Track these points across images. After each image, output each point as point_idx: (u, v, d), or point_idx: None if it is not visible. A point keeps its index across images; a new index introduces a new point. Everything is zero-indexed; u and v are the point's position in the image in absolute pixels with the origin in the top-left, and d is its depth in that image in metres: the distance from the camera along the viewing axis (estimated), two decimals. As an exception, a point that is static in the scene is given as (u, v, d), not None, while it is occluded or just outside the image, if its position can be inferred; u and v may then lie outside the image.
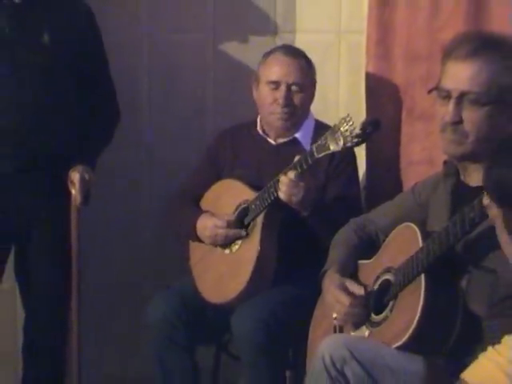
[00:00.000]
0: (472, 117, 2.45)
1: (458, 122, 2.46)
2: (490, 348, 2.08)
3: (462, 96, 2.45)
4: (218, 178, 3.33)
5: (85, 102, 3.27)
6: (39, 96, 3.14)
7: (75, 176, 3.13)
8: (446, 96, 2.49)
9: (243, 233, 3.15)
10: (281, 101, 3.22)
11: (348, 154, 3.10)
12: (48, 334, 3.27)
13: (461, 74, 2.47)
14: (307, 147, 3.02)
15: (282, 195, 2.92)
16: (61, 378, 3.29)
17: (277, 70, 3.25)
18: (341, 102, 3.62)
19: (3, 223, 3.20)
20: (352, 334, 2.66)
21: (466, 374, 2.09)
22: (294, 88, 3.22)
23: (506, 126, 2.45)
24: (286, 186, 2.90)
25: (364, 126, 2.74)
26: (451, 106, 2.47)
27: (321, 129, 3.00)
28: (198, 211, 3.28)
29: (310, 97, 3.30)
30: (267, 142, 3.32)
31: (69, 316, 3.22)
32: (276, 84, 3.23)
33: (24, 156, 3.15)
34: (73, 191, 3.14)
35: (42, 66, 3.14)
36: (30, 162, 3.15)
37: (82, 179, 3.13)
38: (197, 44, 3.75)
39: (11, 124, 3.12)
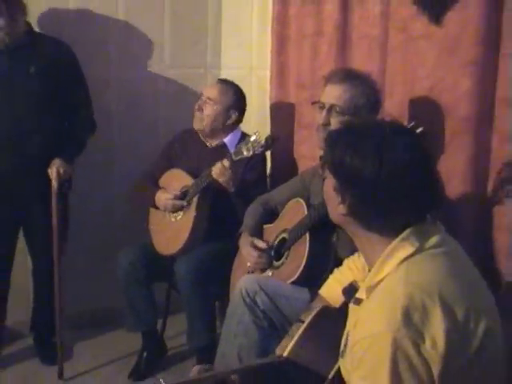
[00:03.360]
0: (336, 122, 2.56)
1: (327, 124, 2.57)
2: (335, 270, 2.17)
3: (331, 107, 2.56)
4: (171, 166, 3.30)
5: (67, 117, 3.21)
6: (29, 113, 3.08)
7: (52, 169, 3.09)
8: (322, 107, 2.59)
9: (184, 203, 3.13)
10: (196, 107, 3.25)
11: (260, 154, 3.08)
12: (44, 269, 3.25)
13: (332, 93, 2.58)
14: (232, 150, 2.99)
15: (218, 176, 2.91)
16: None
17: (206, 88, 3.31)
18: (252, 118, 3.59)
19: (9, 208, 3.17)
20: (260, 275, 2.72)
21: (321, 290, 2.19)
22: (207, 100, 3.21)
23: None
24: (221, 170, 2.89)
25: (267, 140, 2.78)
26: (324, 113, 2.57)
27: (244, 138, 2.98)
28: (157, 188, 3.27)
29: (220, 112, 3.21)
30: (205, 144, 3.31)
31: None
32: (201, 96, 3.26)
33: (18, 156, 3.08)
34: (52, 181, 3.09)
35: (30, 91, 3.07)
36: (23, 161, 3.10)
37: (57, 172, 3.09)
38: (152, 78, 3.72)
39: (8, 133, 3.07)
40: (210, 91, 3.24)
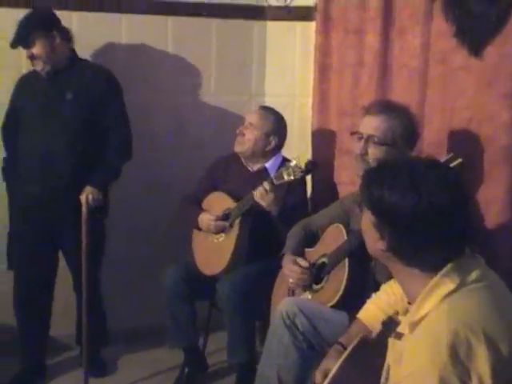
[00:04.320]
0: (373, 152, 2.55)
1: (364, 154, 2.56)
2: (373, 294, 2.15)
3: (369, 138, 2.55)
4: (214, 189, 3.31)
5: (101, 142, 3.19)
6: (62, 137, 3.09)
7: (82, 196, 3.07)
8: (360, 137, 2.58)
9: (226, 224, 3.14)
10: (237, 131, 3.26)
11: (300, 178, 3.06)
12: (81, 288, 3.21)
13: (370, 124, 2.57)
14: (272, 174, 2.99)
15: (260, 200, 2.91)
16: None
17: (249, 114, 3.32)
18: (294, 144, 3.58)
19: (45, 229, 3.19)
20: (300, 297, 2.70)
21: (359, 314, 2.17)
22: (249, 126, 3.23)
23: None
24: (263, 193, 2.89)
25: (307, 165, 2.79)
26: (362, 143, 2.56)
27: (285, 163, 2.96)
28: (200, 209, 3.27)
29: (260, 137, 3.22)
30: (247, 168, 3.32)
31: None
32: (244, 121, 3.28)
33: (51, 180, 3.09)
34: (83, 207, 3.07)
35: (65, 116, 3.08)
36: (56, 185, 3.10)
37: (87, 198, 3.06)
38: (198, 105, 3.74)
39: (41, 158, 3.08)
40: (252, 117, 3.26)
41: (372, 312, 2.11)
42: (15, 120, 3.20)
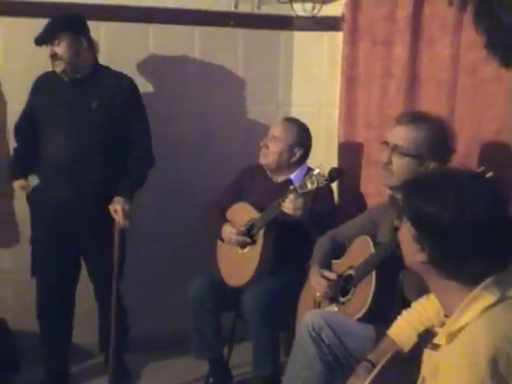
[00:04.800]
0: (397, 162, 2.53)
1: (388, 163, 2.54)
2: (403, 311, 2.13)
3: (394, 147, 2.52)
4: (238, 199, 3.30)
5: (126, 150, 3.19)
6: (87, 145, 3.08)
7: (118, 207, 3.05)
8: (387, 147, 2.55)
9: (248, 240, 3.13)
10: (262, 144, 3.24)
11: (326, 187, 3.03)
12: (103, 295, 3.25)
13: (397, 134, 2.56)
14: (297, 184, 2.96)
15: (288, 210, 2.88)
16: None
17: (273, 126, 3.29)
18: (320, 155, 3.54)
19: (68, 236, 3.17)
20: (326, 309, 2.67)
21: (389, 331, 2.13)
22: (274, 138, 3.21)
23: None
24: (288, 203, 2.87)
25: (331, 173, 2.77)
26: (387, 152, 2.53)
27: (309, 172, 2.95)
28: (224, 220, 3.26)
29: (285, 151, 3.20)
30: (272, 180, 3.30)
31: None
32: (268, 133, 3.26)
33: (74, 187, 3.08)
34: (116, 218, 3.06)
35: (90, 124, 3.07)
36: (81, 193, 3.09)
37: (123, 209, 3.06)
38: (225, 114, 3.74)
39: (66, 165, 3.07)
40: (276, 129, 3.25)
41: (403, 329, 2.08)
42: (30, 122, 3.19)
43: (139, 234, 3.55)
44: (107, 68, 3.23)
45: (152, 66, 3.56)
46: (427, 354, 1.68)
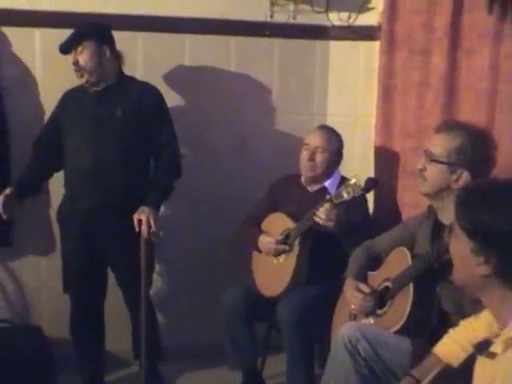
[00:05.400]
0: (430, 169, 2.52)
1: (422, 170, 2.54)
2: (450, 330, 2.09)
3: (429, 154, 2.49)
4: (273, 210, 3.29)
5: (153, 159, 3.20)
6: (112, 155, 3.08)
7: (142, 217, 3.01)
8: (425, 154, 2.53)
9: (286, 248, 3.11)
10: (307, 157, 3.21)
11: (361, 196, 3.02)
12: (132, 303, 3.23)
13: (434, 141, 2.55)
14: (332, 193, 2.96)
15: (320, 219, 2.87)
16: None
17: (310, 137, 3.25)
18: (356, 165, 3.54)
19: (94, 245, 3.16)
20: (362, 321, 2.64)
21: (435, 349, 2.09)
22: (317, 150, 3.20)
23: (451, 182, 2.48)
24: (323, 212, 2.86)
25: (367, 183, 2.75)
26: (423, 159, 2.52)
27: (344, 181, 2.95)
28: (259, 231, 3.25)
29: (330, 159, 3.21)
30: (306, 189, 3.29)
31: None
32: (307, 145, 3.22)
33: (100, 197, 3.09)
34: (142, 228, 3.02)
35: (116, 133, 3.07)
36: (106, 202, 3.09)
37: (147, 220, 3.01)
38: (260, 124, 3.74)
39: (91, 175, 3.07)
40: (317, 140, 3.21)
41: (449, 347, 2.03)
42: (51, 138, 3.20)
43: (174, 245, 3.58)
44: (132, 78, 3.24)
45: (188, 76, 3.57)
46: (482, 363, 1.64)
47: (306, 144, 3.23)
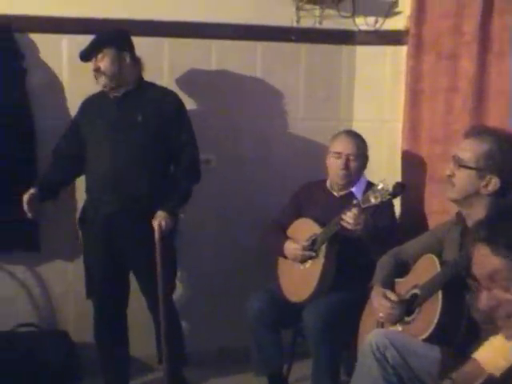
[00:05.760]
0: (459, 174, 2.49)
1: (451, 176, 2.51)
2: (491, 337, 2.05)
3: (457, 160, 2.46)
4: (298, 215, 3.28)
5: (172, 166, 3.20)
6: (132, 160, 3.09)
7: (154, 222, 3.05)
8: (453, 159, 2.50)
9: (313, 254, 3.10)
10: (341, 166, 3.20)
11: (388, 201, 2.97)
12: (154, 308, 3.22)
13: (462, 146, 2.52)
14: (359, 198, 2.93)
15: (347, 224, 2.85)
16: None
17: (340, 144, 3.23)
18: (382, 170, 3.51)
19: (115, 249, 3.17)
20: (390, 328, 2.62)
21: (476, 355, 2.06)
22: (350, 157, 3.19)
23: (479, 188, 2.45)
24: (350, 217, 2.84)
25: (395, 188, 2.73)
26: (451, 164, 2.50)
27: (370, 186, 2.91)
28: (285, 237, 3.24)
29: (361, 164, 3.22)
30: (332, 194, 3.28)
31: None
32: (339, 154, 3.21)
33: (121, 202, 3.10)
34: (155, 233, 3.05)
35: (135, 138, 3.09)
36: (126, 206, 3.10)
37: (159, 224, 3.04)
38: (286, 129, 3.73)
39: (112, 180, 3.09)
40: (348, 148, 3.19)
41: (490, 355, 1.99)
42: (71, 145, 3.22)
43: (198, 250, 3.59)
44: (152, 83, 3.25)
45: (214, 81, 3.58)
46: None
47: (337, 153, 3.21)
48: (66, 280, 3.56)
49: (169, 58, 3.49)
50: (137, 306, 3.35)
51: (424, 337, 2.42)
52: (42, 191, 3.16)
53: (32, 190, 3.13)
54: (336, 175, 3.23)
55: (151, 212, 3.08)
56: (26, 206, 3.11)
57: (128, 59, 3.13)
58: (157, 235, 3.05)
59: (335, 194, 3.28)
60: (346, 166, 3.19)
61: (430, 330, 2.40)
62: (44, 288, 3.54)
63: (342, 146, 3.22)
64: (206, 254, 3.66)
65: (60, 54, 3.39)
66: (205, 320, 3.68)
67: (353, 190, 3.15)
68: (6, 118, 3.27)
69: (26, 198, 3.11)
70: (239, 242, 3.68)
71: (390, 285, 2.72)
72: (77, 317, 3.56)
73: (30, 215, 3.13)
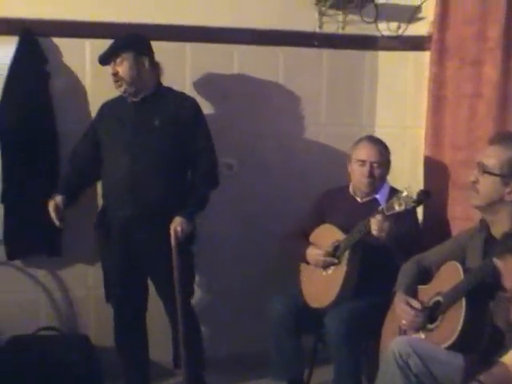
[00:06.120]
0: (483, 181, 2.48)
1: (475, 182, 2.50)
2: None
3: (482, 166, 2.46)
4: (321, 222, 3.27)
5: (190, 170, 3.20)
6: (149, 164, 3.08)
7: (172, 227, 3.05)
8: (477, 166, 2.49)
9: (335, 260, 3.10)
10: (366, 174, 3.20)
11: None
12: (172, 313, 3.22)
13: (486, 152, 2.51)
14: (383, 204, 2.93)
15: (374, 232, 2.84)
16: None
17: (363, 152, 3.23)
18: (404, 177, 3.52)
19: (133, 255, 3.17)
20: (413, 336, 2.61)
21: (505, 359, 2.05)
22: (374, 165, 3.20)
23: (504, 194, 2.45)
24: (375, 224, 2.84)
25: (419, 195, 2.70)
26: (475, 171, 2.49)
27: (393, 192, 2.90)
28: (307, 243, 3.24)
29: (385, 171, 3.22)
30: (356, 200, 3.27)
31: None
32: (363, 162, 3.21)
33: (138, 206, 3.08)
34: (172, 239, 3.05)
35: (153, 143, 3.09)
36: (143, 211, 3.09)
37: (176, 230, 3.04)
38: (307, 135, 3.75)
39: (129, 184, 3.08)
40: (372, 155, 3.19)
41: None
42: (87, 149, 3.24)
43: (220, 255, 3.61)
44: (169, 88, 3.25)
45: (236, 86, 3.59)
46: None
47: (361, 160, 3.20)
48: (86, 284, 3.59)
49: (191, 62, 3.51)
50: (155, 309, 3.36)
51: (447, 344, 2.41)
52: (65, 197, 3.19)
53: (58, 199, 3.17)
54: (360, 183, 3.23)
55: (168, 216, 3.08)
56: (53, 215, 3.15)
57: (147, 64, 3.15)
58: (173, 240, 3.06)
59: (358, 199, 3.27)
60: (371, 174, 3.19)
61: (453, 338, 2.40)
62: (65, 292, 3.56)
63: (366, 153, 3.21)
64: (227, 258, 3.68)
65: (83, 58, 3.41)
66: (224, 324, 3.69)
67: (377, 196, 3.14)
68: (30, 121, 3.30)
69: (51, 206, 3.15)
70: (260, 247, 3.68)
71: (412, 292, 2.71)
72: (97, 321, 3.58)
73: (58, 224, 3.17)
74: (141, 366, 3.38)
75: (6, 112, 3.29)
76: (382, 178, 3.20)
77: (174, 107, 3.15)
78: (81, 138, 3.29)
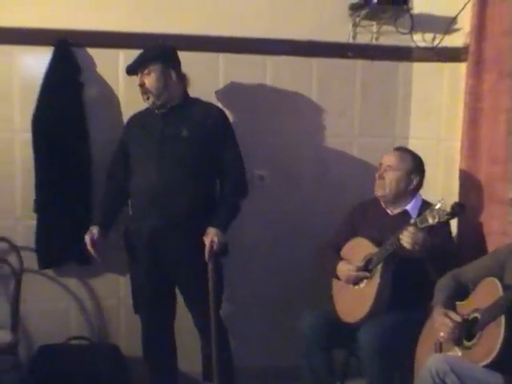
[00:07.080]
0: None
1: None
2: None
3: None
4: (353, 235, 3.25)
5: (219, 180, 3.20)
6: (177, 175, 3.08)
7: (206, 239, 3.05)
8: None
9: (368, 274, 3.08)
10: (377, 176, 3.20)
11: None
12: (200, 325, 3.25)
13: None
14: (414, 217, 2.92)
15: (405, 243, 2.82)
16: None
17: (384, 157, 3.23)
18: (438, 189, 3.50)
19: (159, 266, 3.17)
20: (449, 353, 2.58)
21: None
22: (387, 168, 3.17)
23: None
24: (408, 237, 2.81)
25: (453, 208, 2.69)
26: None
27: (426, 205, 2.91)
28: (339, 258, 3.22)
29: (401, 177, 3.14)
30: (387, 212, 3.25)
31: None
32: (380, 165, 3.20)
33: (166, 217, 3.08)
34: (206, 251, 3.04)
35: (180, 153, 3.09)
36: (171, 222, 3.08)
37: (210, 242, 3.04)
38: (341, 146, 3.74)
39: (157, 194, 3.07)
40: (389, 159, 3.20)
41: None
42: (122, 165, 3.24)
43: (251, 267, 3.62)
44: (197, 99, 3.26)
45: (268, 97, 3.60)
46: None
47: (380, 164, 3.23)
48: (117, 293, 3.61)
49: (224, 73, 3.52)
50: (184, 319, 3.36)
51: (485, 363, 2.38)
52: (103, 228, 3.21)
53: (94, 231, 3.18)
54: (375, 186, 3.23)
55: (196, 226, 3.09)
56: (91, 250, 3.17)
57: (174, 76, 3.15)
58: (207, 252, 3.06)
59: (389, 212, 3.25)
60: (381, 176, 3.19)
61: (492, 356, 2.37)
62: (96, 301, 3.60)
63: (385, 157, 3.23)
64: (258, 271, 3.68)
65: (116, 68, 3.44)
66: (254, 338, 3.69)
67: (407, 208, 3.14)
68: (63, 130, 3.34)
69: (88, 242, 3.16)
70: (291, 259, 3.68)
71: (451, 307, 2.69)
72: (128, 330, 3.60)
73: (98, 259, 3.19)
74: (169, 376, 3.39)
75: (40, 121, 3.33)
76: (395, 185, 3.15)
77: (201, 117, 3.15)
78: (112, 160, 3.29)
